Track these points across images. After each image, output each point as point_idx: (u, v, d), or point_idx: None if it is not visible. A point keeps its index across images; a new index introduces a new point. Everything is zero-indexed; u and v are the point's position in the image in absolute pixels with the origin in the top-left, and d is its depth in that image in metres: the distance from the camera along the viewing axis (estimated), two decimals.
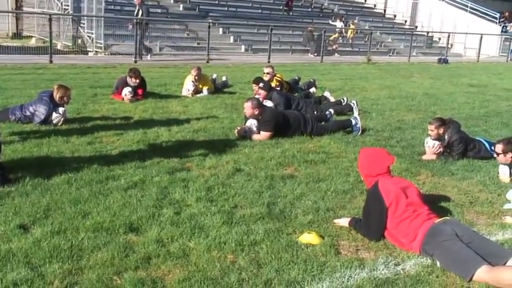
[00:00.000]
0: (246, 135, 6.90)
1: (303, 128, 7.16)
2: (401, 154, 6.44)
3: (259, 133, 6.93)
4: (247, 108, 7.02)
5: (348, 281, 3.37)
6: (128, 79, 9.09)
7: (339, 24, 25.40)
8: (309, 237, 3.92)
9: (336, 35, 24.37)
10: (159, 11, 22.12)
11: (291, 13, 26.53)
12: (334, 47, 23.88)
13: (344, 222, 4.24)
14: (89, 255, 3.51)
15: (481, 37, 25.79)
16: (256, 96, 8.13)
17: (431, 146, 6.36)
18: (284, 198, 4.77)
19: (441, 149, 6.30)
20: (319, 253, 3.72)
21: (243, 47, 21.67)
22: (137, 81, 9.13)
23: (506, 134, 7.51)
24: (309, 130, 7.18)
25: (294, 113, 7.47)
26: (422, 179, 5.59)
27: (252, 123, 7.03)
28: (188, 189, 4.84)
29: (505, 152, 5.44)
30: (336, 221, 4.29)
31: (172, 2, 23.69)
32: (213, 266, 3.46)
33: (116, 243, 3.67)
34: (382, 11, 33.52)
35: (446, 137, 6.34)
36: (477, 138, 6.66)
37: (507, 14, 31.70)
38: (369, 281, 3.37)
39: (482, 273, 3.38)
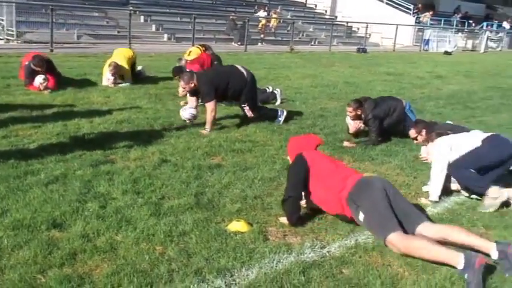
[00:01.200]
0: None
1: (242, 91, 7.13)
2: (324, 141, 6.58)
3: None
4: (182, 87, 7.15)
5: (276, 266, 3.43)
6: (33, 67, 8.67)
7: (262, 13, 25.54)
8: (237, 225, 3.95)
9: (264, 22, 24.53)
10: None
11: (214, 1, 26.38)
12: (262, 35, 24.06)
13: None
14: (9, 255, 3.36)
15: (397, 27, 26.76)
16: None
17: (351, 124, 6.85)
18: (212, 188, 4.77)
19: (361, 125, 6.81)
20: (248, 240, 3.76)
21: (165, 35, 21.28)
22: (41, 69, 8.66)
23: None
24: (245, 96, 7.17)
25: (232, 71, 7.31)
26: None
27: (188, 113, 7.08)
28: (113, 182, 4.73)
29: (418, 132, 5.65)
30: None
31: None
32: (142, 258, 3.41)
33: (39, 240, 3.54)
34: (304, 1, 34.04)
35: (363, 116, 6.74)
36: (409, 115, 6.95)
37: (420, 5, 33.07)
38: (296, 264, 3.45)
39: (396, 238, 3.60)
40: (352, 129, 6.97)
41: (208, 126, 6.75)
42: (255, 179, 5.07)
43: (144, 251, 3.52)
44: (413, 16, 31.23)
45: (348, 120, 6.99)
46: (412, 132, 5.77)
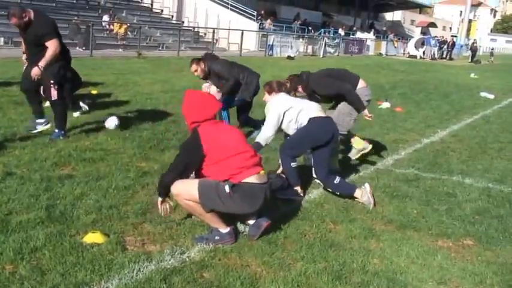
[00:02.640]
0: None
1: None
2: (178, 146, 6.61)
3: None
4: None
5: (136, 276, 3.41)
6: None
7: (106, 17, 24.83)
8: (93, 237, 3.85)
9: (125, 27, 23.92)
10: None
11: (54, 4, 25.04)
12: (124, 42, 23.52)
13: None
14: None
15: (242, 33, 27.68)
16: None
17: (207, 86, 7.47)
18: (64, 200, 4.58)
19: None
20: (106, 251, 3.68)
21: (1, 39, 19.81)
22: None
23: None
24: None
25: None
26: None
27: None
28: None
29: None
30: None
31: None
32: None
33: None
34: (149, 5, 33.69)
35: (210, 68, 7.26)
36: None
37: (263, 12, 34.48)
38: (157, 272, 3.46)
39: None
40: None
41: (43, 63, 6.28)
42: (109, 189, 4.96)
43: None
44: (257, 22, 32.46)
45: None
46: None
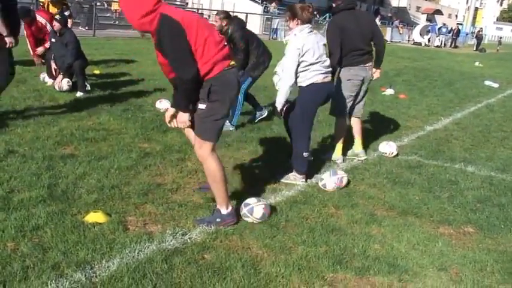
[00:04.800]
0: None
1: None
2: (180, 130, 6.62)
3: None
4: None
5: (138, 255, 3.41)
6: None
7: None
8: (95, 216, 3.85)
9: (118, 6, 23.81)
10: None
11: None
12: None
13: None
14: None
15: (246, 16, 27.51)
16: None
17: None
18: (66, 179, 4.58)
19: None
20: (107, 231, 3.69)
21: None
22: None
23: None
24: None
25: None
26: None
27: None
28: None
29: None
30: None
31: None
32: None
33: None
34: None
35: (229, 31, 6.89)
36: None
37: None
38: (158, 253, 3.47)
39: (211, 148, 3.86)
40: None
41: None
42: (111, 169, 4.96)
43: None
44: (262, 5, 32.25)
45: None
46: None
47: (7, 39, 5.88)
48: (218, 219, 3.95)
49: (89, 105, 7.34)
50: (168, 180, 4.81)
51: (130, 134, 6.18)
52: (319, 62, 5.01)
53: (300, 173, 5.14)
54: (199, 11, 29.96)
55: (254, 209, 4.05)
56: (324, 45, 5.18)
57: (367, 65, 5.85)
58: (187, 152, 5.62)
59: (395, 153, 6.37)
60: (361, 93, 6.00)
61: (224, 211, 3.97)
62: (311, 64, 4.97)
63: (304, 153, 5.12)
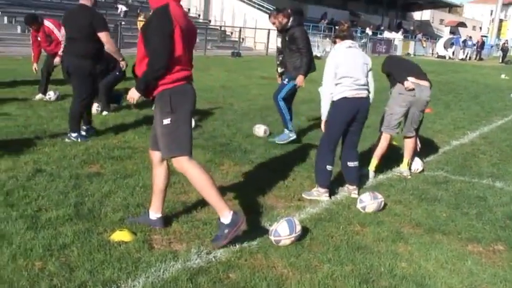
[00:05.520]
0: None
1: None
2: (204, 145, 6.68)
3: None
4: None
5: (163, 274, 3.42)
6: None
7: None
8: (121, 235, 3.88)
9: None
10: None
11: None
12: None
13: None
14: None
15: (269, 32, 27.65)
16: None
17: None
18: (92, 197, 4.63)
19: None
20: (133, 250, 3.70)
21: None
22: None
23: (297, 122, 8.18)
24: None
25: None
26: (225, 169, 5.87)
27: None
28: None
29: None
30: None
31: None
32: (20, 275, 3.23)
33: None
34: None
35: (289, 26, 6.90)
36: None
37: (290, 11, 34.45)
38: (183, 272, 3.47)
39: (185, 160, 3.81)
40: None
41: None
42: (136, 187, 5.00)
43: (22, 267, 3.33)
44: None
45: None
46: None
47: (123, 63, 7.05)
48: (226, 231, 3.79)
49: (115, 123, 7.43)
50: (193, 198, 4.82)
51: None
52: (353, 78, 5.04)
53: (322, 186, 5.11)
54: (222, 28, 30.28)
55: (281, 241, 3.98)
56: (365, 64, 5.17)
57: (422, 83, 5.88)
58: (211, 169, 5.64)
59: (420, 169, 6.30)
60: (417, 113, 6.01)
61: (226, 219, 3.80)
62: (343, 77, 5.02)
63: (328, 167, 5.10)
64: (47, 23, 8.95)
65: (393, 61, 6.39)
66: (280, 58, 7.41)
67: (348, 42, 5.20)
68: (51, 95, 8.99)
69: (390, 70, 6.10)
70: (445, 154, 7.43)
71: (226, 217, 3.80)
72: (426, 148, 7.64)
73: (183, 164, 3.82)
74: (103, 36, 6.26)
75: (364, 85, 5.12)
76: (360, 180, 5.48)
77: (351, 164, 5.24)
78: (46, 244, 3.65)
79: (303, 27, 7.08)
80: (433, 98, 13.67)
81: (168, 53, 3.68)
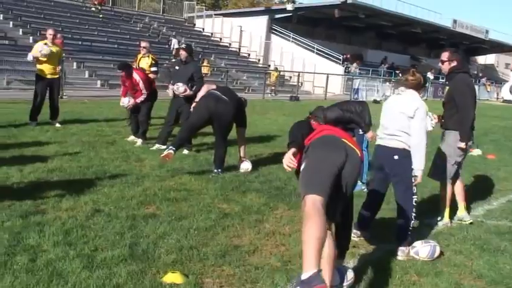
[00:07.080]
0: None
1: None
2: (259, 189, 6.69)
3: None
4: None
5: None
6: None
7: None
8: (173, 277, 3.90)
9: (276, 74, 25.58)
10: (6, 42, 20.87)
11: None
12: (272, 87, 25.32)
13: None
14: None
15: (327, 76, 27.81)
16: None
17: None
18: (147, 238, 4.70)
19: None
20: None
21: (98, 82, 21.14)
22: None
23: None
24: None
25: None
26: (279, 213, 5.84)
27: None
28: (44, 233, 4.57)
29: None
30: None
31: (21, 33, 22.48)
32: None
33: None
34: (237, 50, 34.77)
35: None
36: None
37: (349, 56, 34.57)
38: None
39: (311, 201, 3.22)
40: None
41: None
42: (190, 229, 5.04)
43: None
44: (343, 66, 32.50)
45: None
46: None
47: None
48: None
49: (172, 165, 7.58)
50: (246, 242, 4.81)
51: (210, 195, 6.29)
52: (383, 125, 5.01)
53: (410, 244, 4.87)
54: (281, 73, 30.66)
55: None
56: (401, 113, 4.83)
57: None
58: (265, 213, 5.63)
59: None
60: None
61: (305, 275, 2.99)
62: (380, 124, 5.03)
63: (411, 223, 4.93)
64: (135, 75, 9.24)
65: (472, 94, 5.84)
66: None
67: (401, 89, 4.99)
68: (124, 102, 9.43)
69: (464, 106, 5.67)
70: (510, 203, 7.11)
71: (308, 272, 2.98)
72: (490, 196, 7.36)
73: (308, 204, 3.25)
74: None
75: (390, 134, 4.88)
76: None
77: None
78: (100, 284, 3.72)
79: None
80: (497, 143, 13.27)
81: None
